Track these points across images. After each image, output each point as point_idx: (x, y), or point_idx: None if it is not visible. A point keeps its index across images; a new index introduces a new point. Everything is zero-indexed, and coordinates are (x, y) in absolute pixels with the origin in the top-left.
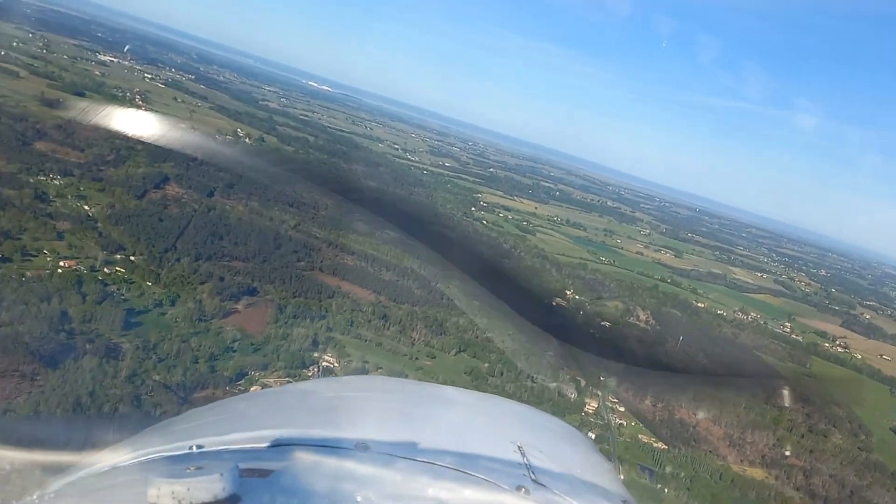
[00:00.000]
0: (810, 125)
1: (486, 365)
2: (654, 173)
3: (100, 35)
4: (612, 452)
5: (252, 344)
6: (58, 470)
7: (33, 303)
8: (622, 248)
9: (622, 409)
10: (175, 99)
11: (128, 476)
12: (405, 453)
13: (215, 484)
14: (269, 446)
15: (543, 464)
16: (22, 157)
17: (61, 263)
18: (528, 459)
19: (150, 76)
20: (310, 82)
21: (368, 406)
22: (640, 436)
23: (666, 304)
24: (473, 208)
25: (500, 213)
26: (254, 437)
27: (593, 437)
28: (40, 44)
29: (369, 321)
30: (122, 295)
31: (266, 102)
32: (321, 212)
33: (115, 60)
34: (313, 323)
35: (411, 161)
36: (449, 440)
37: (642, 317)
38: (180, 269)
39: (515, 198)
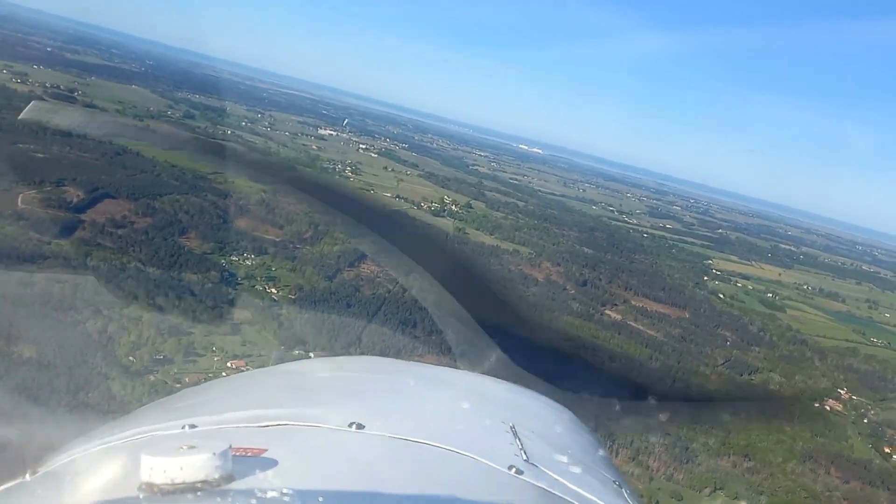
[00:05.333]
0: None
1: None
2: None
3: (324, 112)
4: None
5: None
6: (49, 449)
7: None
8: (894, 325)
9: None
10: (385, 168)
11: (120, 455)
12: (399, 433)
13: (208, 463)
14: (263, 426)
15: (536, 444)
16: (219, 236)
17: (228, 364)
18: (520, 439)
19: (363, 147)
20: (521, 145)
21: (363, 386)
22: None
23: None
24: (706, 277)
25: (737, 282)
26: (248, 416)
27: None
28: (266, 123)
29: None
30: None
31: (476, 167)
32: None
33: (334, 134)
34: None
35: (629, 224)
36: (442, 420)
37: None
38: None
39: (753, 263)
